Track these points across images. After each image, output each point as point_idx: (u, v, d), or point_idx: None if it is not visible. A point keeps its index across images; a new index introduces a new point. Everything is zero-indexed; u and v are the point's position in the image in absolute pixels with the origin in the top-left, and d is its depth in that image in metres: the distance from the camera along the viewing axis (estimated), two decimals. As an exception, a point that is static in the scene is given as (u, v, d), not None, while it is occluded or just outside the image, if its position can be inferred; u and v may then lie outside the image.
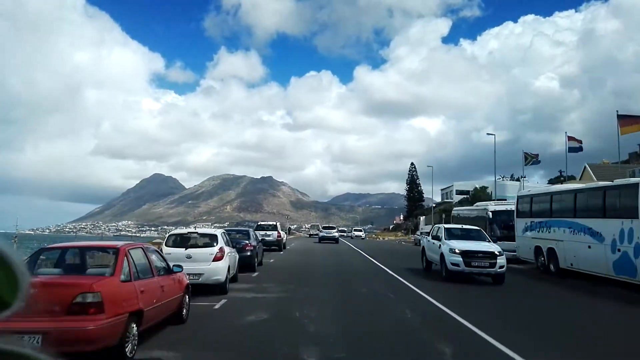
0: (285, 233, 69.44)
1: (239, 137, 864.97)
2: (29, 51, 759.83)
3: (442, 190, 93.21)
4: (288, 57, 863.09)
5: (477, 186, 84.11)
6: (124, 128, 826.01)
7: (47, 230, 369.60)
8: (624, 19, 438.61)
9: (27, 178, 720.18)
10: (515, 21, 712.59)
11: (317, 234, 54.04)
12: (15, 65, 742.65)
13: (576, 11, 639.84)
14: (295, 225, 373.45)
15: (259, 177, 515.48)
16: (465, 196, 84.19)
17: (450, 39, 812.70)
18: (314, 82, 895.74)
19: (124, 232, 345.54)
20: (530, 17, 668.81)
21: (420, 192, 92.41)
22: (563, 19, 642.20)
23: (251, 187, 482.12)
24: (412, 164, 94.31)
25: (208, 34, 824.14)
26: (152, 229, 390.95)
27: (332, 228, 49.78)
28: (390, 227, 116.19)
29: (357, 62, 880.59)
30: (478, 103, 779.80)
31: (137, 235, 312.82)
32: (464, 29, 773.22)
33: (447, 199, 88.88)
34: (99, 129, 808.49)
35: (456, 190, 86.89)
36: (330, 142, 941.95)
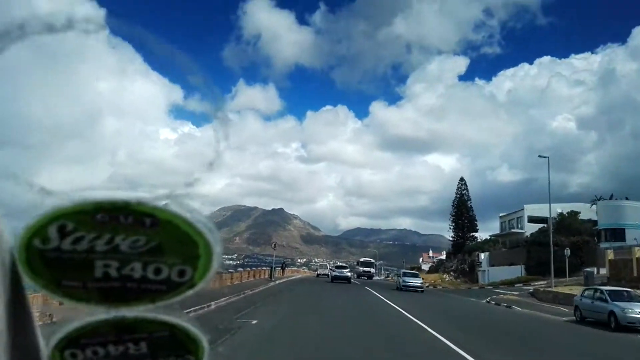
0: (279, 269, 42.06)
1: (252, 168, 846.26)
2: (50, 77, 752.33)
3: (501, 217, 64.88)
4: (305, 90, 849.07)
5: (561, 210, 55.83)
6: (140, 157, 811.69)
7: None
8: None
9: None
10: (530, 63, 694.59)
11: (326, 274, 50.95)
12: (36, 91, 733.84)
13: (592, 53, 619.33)
14: (304, 259, 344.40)
15: (270, 208, 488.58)
16: (542, 225, 55.72)
17: (467, 77, 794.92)
18: (330, 116, 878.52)
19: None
20: (546, 59, 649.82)
21: (472, 219, 63.92)
22: (579, 60, 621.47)
23: (262, 219, 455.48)
24: (461, 179, 66.59)
25: (227, 65, 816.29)
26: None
27: (345, 267, 45.77)
28: (424, 266, 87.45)
29: (374, 97, 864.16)
30: (493, 142, 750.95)
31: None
32: (480, 68, 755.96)
33: (511, 228, 60.53)
34: (115, 157, 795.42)
35: (528, 217, 58.49)
36: (344, 175, 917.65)
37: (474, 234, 63.33)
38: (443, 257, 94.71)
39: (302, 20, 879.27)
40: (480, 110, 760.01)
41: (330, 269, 48.36)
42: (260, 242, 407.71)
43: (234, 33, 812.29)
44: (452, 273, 56.47)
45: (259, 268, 33.38)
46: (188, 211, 0.53)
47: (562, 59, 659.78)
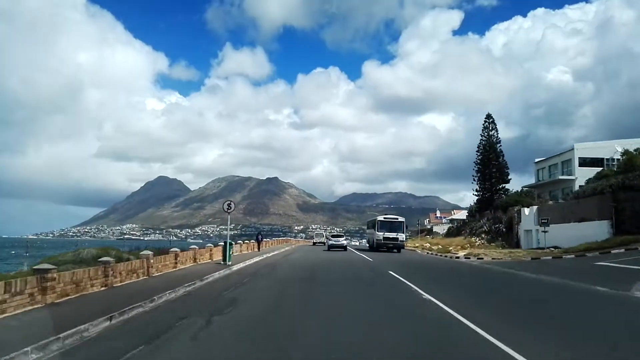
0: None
1: (244, 137, 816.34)
2: (28, 52, 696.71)
3: (537, 163, 51.09)
4: (295, 52, 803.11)
5: (621, 148, 42.51)
6: (128, 129, 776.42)
7: (51, 235, 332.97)
8: (638, 8, 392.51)
9: (30, 181, 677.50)
10: (524, 15, 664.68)
11: (322, 243, 51.98)
12: (15, 67, 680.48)
13: (587, 2, 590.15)
14: (301, 227, 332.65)
15: (264, 178, 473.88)
16: (600, 168, 42.07)
17: (461, 32, 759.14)
18: (322, 78, 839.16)
19: (128, 236, 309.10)
20: (540, 11, 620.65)
21: (502, 168, 49.85)
22: (574, 10, 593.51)
23: (257, 189, 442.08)
24: (488, 117, 51.14)
25: (212, 28, 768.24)
26: (157, 232, 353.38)
27: (341, 236, 45.14)
28: (436, 228, 74.65)
29: (366, 57, 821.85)
30: (489, 98, 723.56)
31: (142, 238, 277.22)
32: (475, 22, 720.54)
33: (555, 175, 46.91)
34: (102, 131, 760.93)
35: (579, 159, 44.71)
36: (338, 140, 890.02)
37: (505, 185, 49.42)
38: (455, 216, 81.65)
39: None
40: (475, 65, 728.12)
41: (327, 238, 47.81)
42: (257, 212, 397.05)
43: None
44: (483, 235, 42.99)
45: (209, 245, 19.68)
46: None
47: (556, 10, 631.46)
